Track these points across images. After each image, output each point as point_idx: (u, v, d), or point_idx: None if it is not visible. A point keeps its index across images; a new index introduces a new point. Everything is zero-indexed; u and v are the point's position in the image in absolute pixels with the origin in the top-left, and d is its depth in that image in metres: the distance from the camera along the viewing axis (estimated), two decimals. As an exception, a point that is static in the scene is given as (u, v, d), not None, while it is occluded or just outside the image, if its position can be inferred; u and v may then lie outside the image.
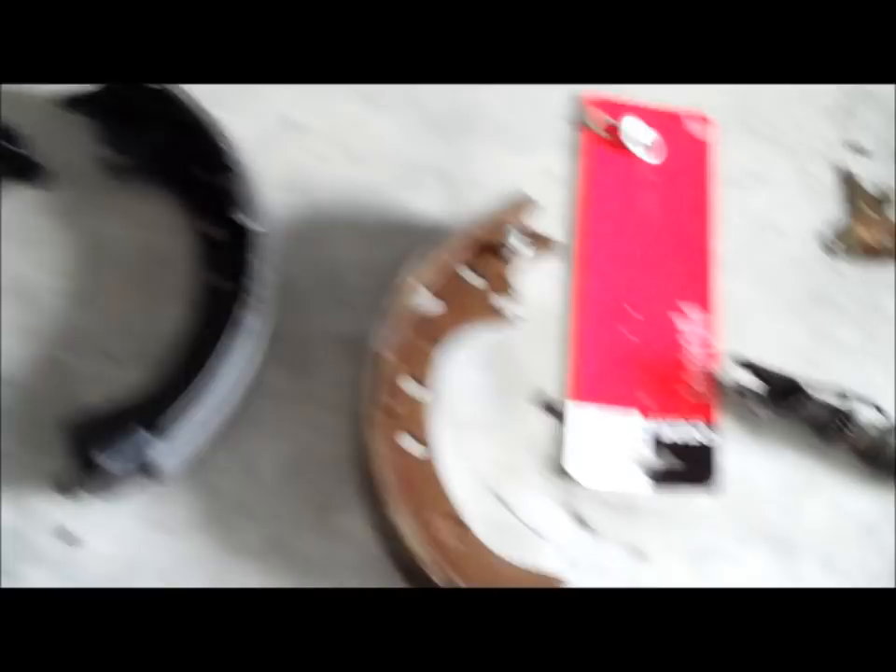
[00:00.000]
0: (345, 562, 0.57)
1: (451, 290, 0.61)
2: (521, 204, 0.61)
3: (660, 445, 0.62)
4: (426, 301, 0.60)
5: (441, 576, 0.53)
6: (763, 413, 0.61)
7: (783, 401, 0.61)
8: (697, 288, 0.65)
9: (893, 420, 0.61)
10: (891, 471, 0.61)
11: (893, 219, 0.68)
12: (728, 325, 0.65)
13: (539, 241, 0.63)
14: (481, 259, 0.62)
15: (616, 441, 0.61)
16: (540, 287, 0.64)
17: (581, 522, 0.60)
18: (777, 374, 0.61)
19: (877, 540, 0.61)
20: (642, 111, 0.68)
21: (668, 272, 0.66)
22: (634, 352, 0.63)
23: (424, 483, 0.56)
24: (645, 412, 0.62)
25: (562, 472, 0.60)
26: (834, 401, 0.61)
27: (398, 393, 0.58)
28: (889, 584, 0.60)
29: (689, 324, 0.65)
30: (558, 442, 0.61)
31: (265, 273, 0.57)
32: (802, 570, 0.60)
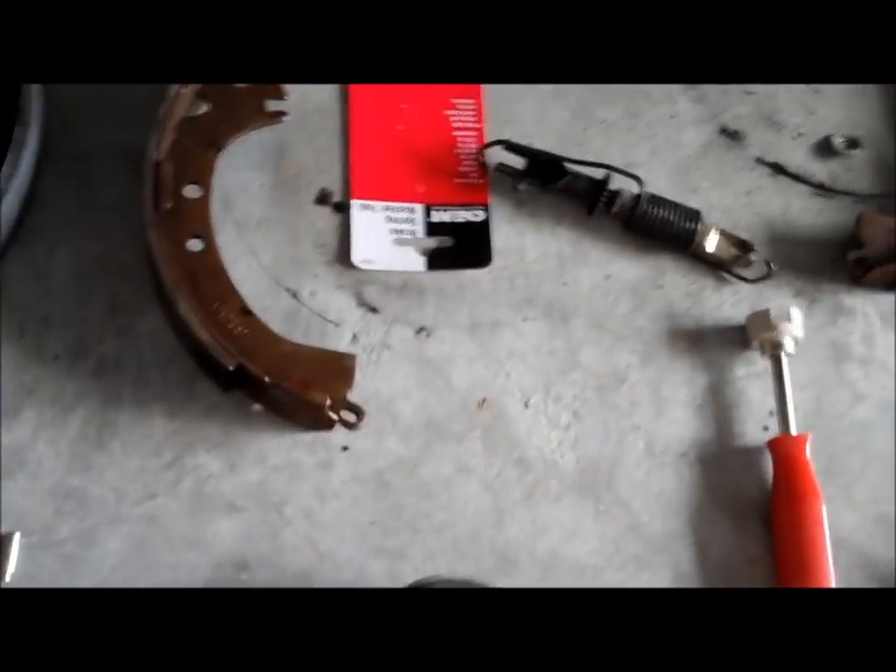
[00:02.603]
0: (145, 358, 0.61)
1: (218, 92, 0.63)
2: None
3: (436, 227, 0.67)
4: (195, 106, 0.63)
5: (230, 359, 0.58)
6: (527, 189, 0.66)
7: (546, 177, 0.66)
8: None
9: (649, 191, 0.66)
10: (652, 237, 0.67)
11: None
12: (497, 112, 0.69)
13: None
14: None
15: (396, 230, 0.66)
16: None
17: (369, 306, 0.65)
18: (539, 152, 0.66)
19: (641, 300, 0.67)
20: None
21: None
22: (410, 147, 0.68)
23: (209, 277, 0.60)
24: (422, 200, 0.67)
25: (346, 263, 0.65)
26: (596, 175, 0.66)
27: (179, 198, 0.61)
28: (653, 339, 0.66)
29: (460, 115, 0.69)
30: (341, 236, 0.66)
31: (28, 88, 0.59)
32: (573, 330, 0.66)
